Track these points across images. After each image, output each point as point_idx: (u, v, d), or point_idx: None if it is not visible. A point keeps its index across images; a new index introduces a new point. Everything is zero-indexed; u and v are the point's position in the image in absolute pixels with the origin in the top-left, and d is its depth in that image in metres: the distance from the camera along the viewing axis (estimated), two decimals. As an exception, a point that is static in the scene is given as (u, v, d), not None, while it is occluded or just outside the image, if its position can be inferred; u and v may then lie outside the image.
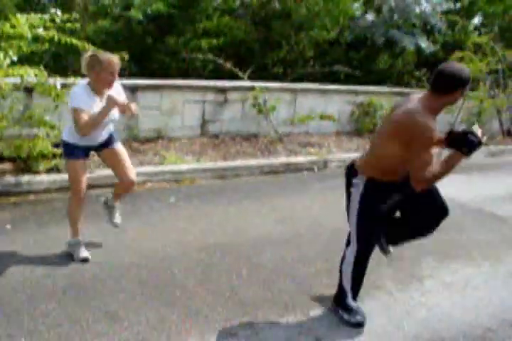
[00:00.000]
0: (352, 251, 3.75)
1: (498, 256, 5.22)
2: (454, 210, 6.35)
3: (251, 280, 4.30)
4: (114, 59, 4.11)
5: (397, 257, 4.14)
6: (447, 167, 3.32)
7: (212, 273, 4.38)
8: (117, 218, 4.91)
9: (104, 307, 3.73)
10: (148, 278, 4.21)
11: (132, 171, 4.59)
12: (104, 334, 3.40)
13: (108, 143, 4.51)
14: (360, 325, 3.73)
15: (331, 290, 4.09)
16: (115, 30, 12.34)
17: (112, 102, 4.04)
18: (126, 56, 6.73)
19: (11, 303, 3.69)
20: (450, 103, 3.39)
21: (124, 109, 4.13)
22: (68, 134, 4.34)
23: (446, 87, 3.28)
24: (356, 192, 3.62)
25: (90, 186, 4.69)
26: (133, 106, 4.13)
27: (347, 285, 3.82)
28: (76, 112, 4.06)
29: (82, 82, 4.26)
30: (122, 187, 4.68)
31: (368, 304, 4.02)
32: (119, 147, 4.59)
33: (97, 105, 4.15)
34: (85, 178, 4.43)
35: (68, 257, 4.46)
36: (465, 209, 6.63)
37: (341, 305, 3.84)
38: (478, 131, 3.31)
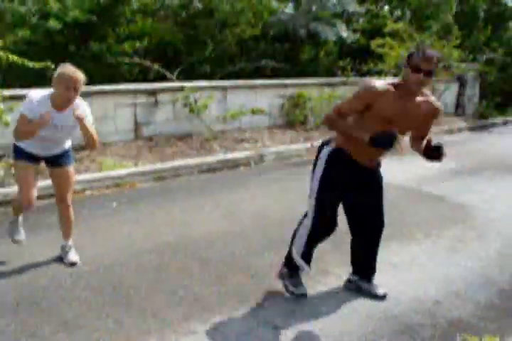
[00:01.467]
0: (309, 219, 3.87)
1: (438, 232, 5.45)
2: (391, 192, 6.63)
3: (203, 277, 4.35)
4: (75, 74, 3.97)
5: (342, 242, 4.26)
6: (346, 127, 3.63)
7: (164, 274, 4.40)
8: (74, 256, 4.62)
9: (61, 317, 3.70)
10: (100, 284, 4.19)
11: (69, 196, 4.61)
12: (64, 344, 3.39)
13: (60, 161, 4.46)
14: (303, 296, 3.96)
15: (283, 280, 4.19)
16: (35, 40, 12.08)
17: (42, 119, 3.93)
18: (52, 65, 6.63)
19: (-37, 322, 3.62)
20: (407, 80, 3.52)
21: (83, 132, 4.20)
22: None
23: None
24: (322, 159, 3.78)
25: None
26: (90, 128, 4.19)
27: (297, 253, 3.94)
28: (20, 117, 4.04)
29: (45, 92, 4.14)
30: (58, 205, 4.65)
31: (319, 290, 4.15)
32: (70, 170, 4.56)
33: (54, 118, 4.04)
34: (33, 186, 4.34)
35: (14, 270, 4.37)
36: (402, 191, 6.87)
37: (288, 277, 4.01)
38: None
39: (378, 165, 3.93)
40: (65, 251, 4.62)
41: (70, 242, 4.67)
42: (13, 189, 6.14)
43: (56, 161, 4.45)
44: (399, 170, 7.74)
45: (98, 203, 6.21)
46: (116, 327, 3.58)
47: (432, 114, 3.70)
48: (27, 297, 3.97)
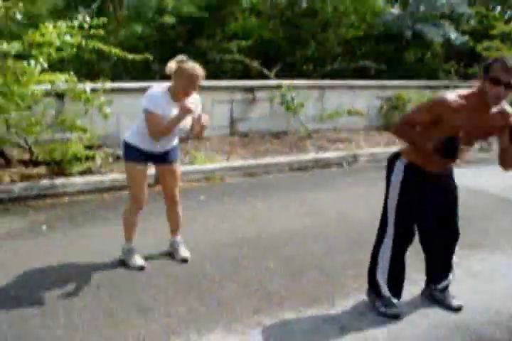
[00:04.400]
0: (389, 236, 3.78)
1: (525, 243, 5.24)
2: (484, 200, 6.42)
3: (279, 273, 4.41)
4: (198, 71, 4.03)
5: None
6: (415, 139, 3.53)
7: (241, 267, 4.50)
8: (184, 252, 4.69)
9: (136, 301, 3.87)
10: (178, 273, 4.34)
11: (177, 192, 4.57)
12: (136, 326, 3.54)
13: (168, 158, 4.42)
14: (396, 317, 3.76)
15: (358, 281, 4.19)
16: (147, 35, 12.57)
17: (185, 109, 3.96)
18: (151, 56, 6.90)
19: (47, 299, 3.85)
20: (485, 93, 3.32)
21: (196, 121, 4.20)
22: (131, 135, 4.27)
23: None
24: (397, 175, 3.69)
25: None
26: (205, 117, 4.18)
27: (382, 276, 3.84)
28: (148, 114, 4.04)
29: (163, 86, 4.18)
30: (166, 202, 4.66)
31: (393, 293, 4.09)
32: (177, 167, 4.52)
33: (175, 110, 4.08)
34: (146, 185, 4.36)
35: (102, 255, 4.60)
36: (495, 200, 6.64)
37: (377, 297, 3.87)
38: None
39: (451, 171, 3.83)
40: (174, 247, 4.68)
41: (179, 238, 4.73)
42: (110, 177, 6.46)
43: (165, 158, 4.41)
44: (494, 179, 7.47)
45: (187, 195, 6.34)
46: (186, 314, 3.71)
47: (508, 123, 3.47)
48: (107, 281, 4.18)
